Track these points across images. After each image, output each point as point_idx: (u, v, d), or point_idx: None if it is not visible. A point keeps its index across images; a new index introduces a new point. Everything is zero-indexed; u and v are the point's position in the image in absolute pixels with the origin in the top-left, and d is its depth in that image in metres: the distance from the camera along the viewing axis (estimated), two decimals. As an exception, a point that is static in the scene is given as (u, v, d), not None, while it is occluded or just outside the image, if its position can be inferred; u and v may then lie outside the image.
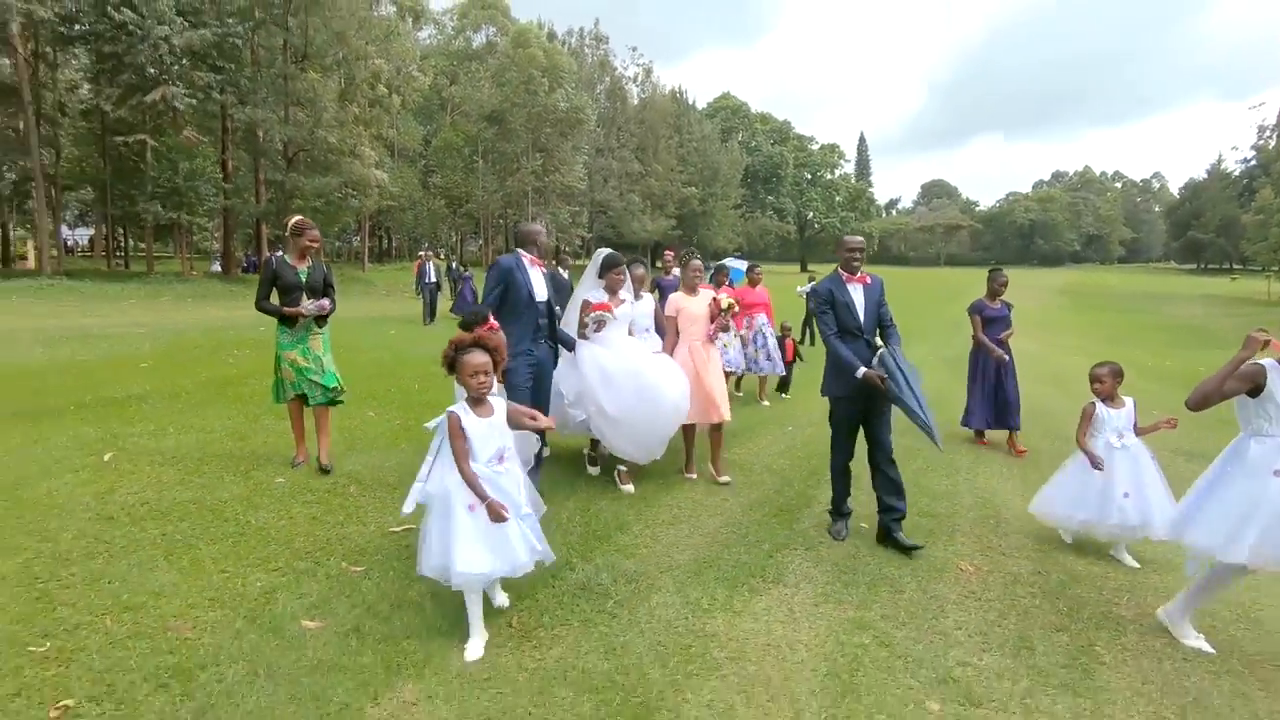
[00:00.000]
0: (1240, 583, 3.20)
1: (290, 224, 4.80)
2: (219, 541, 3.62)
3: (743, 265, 11.84)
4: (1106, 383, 4.01)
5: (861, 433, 4.13)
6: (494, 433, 2.80)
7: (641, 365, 4.66)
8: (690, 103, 60.63)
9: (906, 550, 3.90)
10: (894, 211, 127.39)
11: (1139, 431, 3.99)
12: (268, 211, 27.88)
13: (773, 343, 8.35)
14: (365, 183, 28.60)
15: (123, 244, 37.44)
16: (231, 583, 3.18)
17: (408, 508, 2.81)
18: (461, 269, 18.16)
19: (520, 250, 4.47)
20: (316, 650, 2.67)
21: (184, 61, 22.51)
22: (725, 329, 5.46)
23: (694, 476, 5.15)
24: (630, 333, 4.94)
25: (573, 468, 5.32)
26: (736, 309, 6.30)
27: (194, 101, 23.21)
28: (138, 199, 23.81)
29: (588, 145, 45.18)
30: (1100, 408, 4.01)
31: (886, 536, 4.02)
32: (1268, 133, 44.61)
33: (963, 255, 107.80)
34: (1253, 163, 51.56)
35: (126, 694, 2.35)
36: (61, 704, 2.27)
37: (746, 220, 65.22)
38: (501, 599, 3.05)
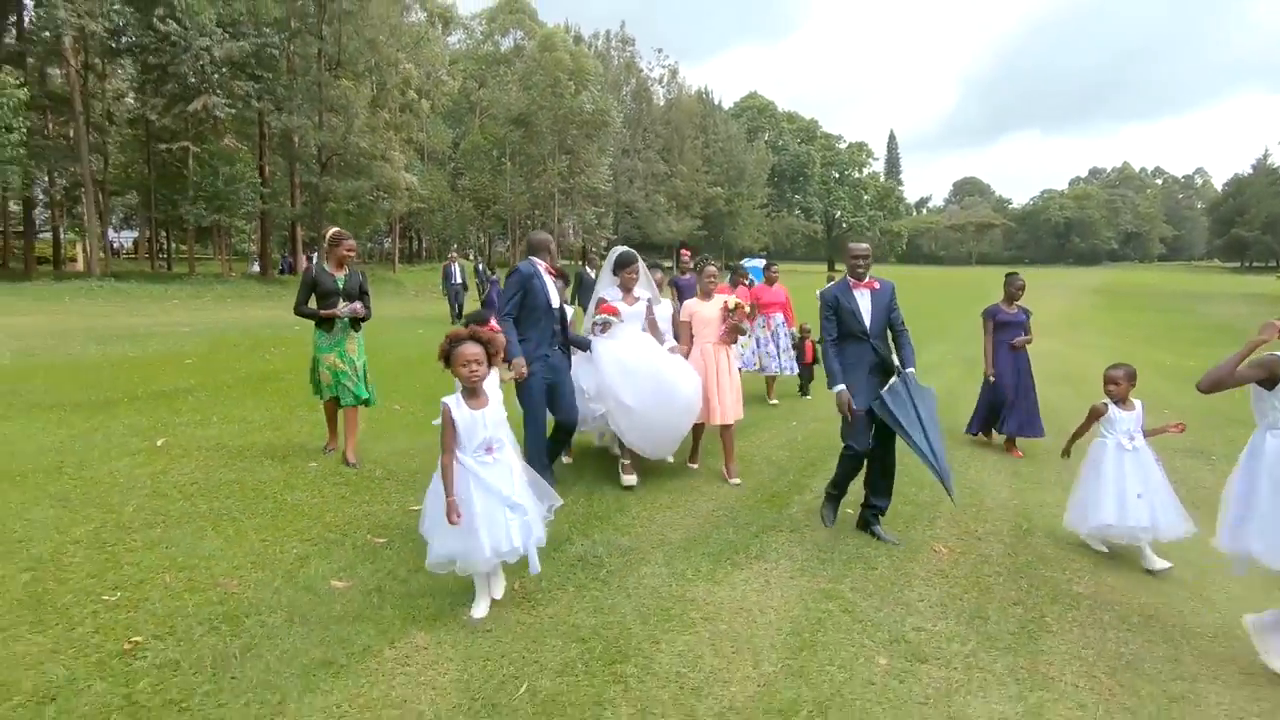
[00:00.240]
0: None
1: (329, 235, 5.18)
2: (259, 515, 4.07)
3: (760, 264, 12.06)
4: (1122, 385, 4.03)
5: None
6: (483, 424, 2.90)
7: (658, 361, 4.83)
8: (716, 103, 60.82)
9: (882, 540, 4.09)
10: (924, 210, 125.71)
11: (1147, 434, 4.04)
12: (302, 214, 28.86)
13: (785, 343, 8.44)
14: (395, 185, 29.38)
15: (165, 247, 38.94)
16: (270, 549, 3.61)
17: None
18: (489, 271, 18.65)
19: (534, 258, 4.65)
20: (343, 604, 3.07)
21: (224, 71, 23.43)
22: (742, 331, 5.38)
23: (695, 466, 5.41)
24: (654, 333, 5.06)
25: (584, 458, 5.67)
26: (747, 308, 6.44)
27: (233, 109, 24.16)
28: (180, 203, 24.87)
29: (613, 146, 45.61)
30: (1112, 409, 4.03)
31: (865, 528, 4.23)
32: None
33: (995, 254, 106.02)
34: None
35: (185, 633, 2.77)
36: (132, 640, 2.70)
37: (773, 220, 65.17)
38: (480, 611, 3.04)
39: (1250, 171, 74.54)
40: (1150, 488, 3.87)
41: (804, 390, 8.84)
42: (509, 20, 50.45)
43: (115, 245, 43.67)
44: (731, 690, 2.57)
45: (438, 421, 3.00)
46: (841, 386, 4.06)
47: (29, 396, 6.93)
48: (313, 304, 5.05)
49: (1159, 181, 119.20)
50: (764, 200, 61.19)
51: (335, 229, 5.24)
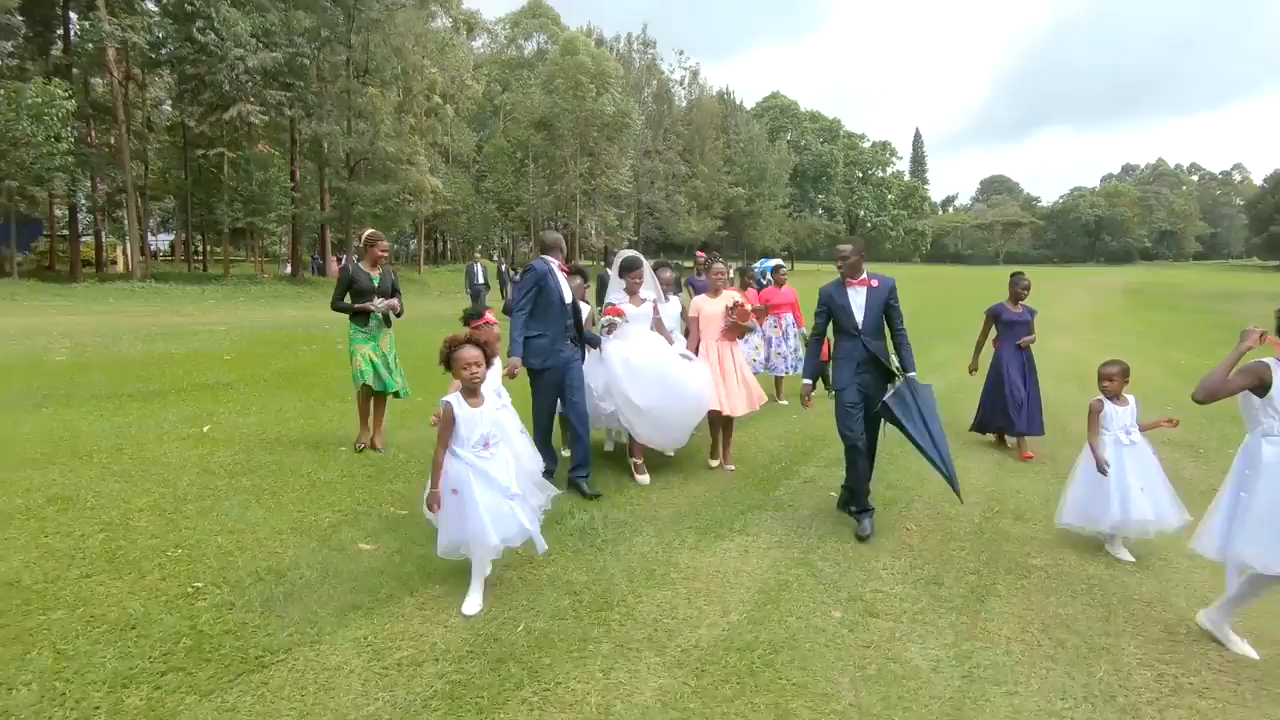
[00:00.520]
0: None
1: (365, 236, 5.60)
2: (296, 491, 4.56)
3: (773, 264, 12.33)
4: (1116, 381, 4.08)
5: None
6: (482, 421, 3.11)
7: (663, 358, 4.98)
8: (738, 103, 60.96)
9: (859, 536, 4.18)
10: (951, 208, 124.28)
11: (1141, 428, 4.08)
12: (331, 217, 29.80)
13: (794, 344, 8.48)
14: (421, 188, 30.18)
15: (201, 249, 40.29)
16: (307, 518, 4.10)
17: None
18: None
19: (547, 257, 4.81)
20: (370, 563, 3.54)
21: (258, 80, 24.33)
22: (748, 328, 5.50)
23: (731, 468, 5.45)
24: (661, 331, 5.23)
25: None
26: (748, 307, 6.69)
27: (266, 117, 25.10)
28: (216, 206, 25.89)
29: (634, 148, 46.07)
30: (1108, 406, 4.08)
31: (844, 508, 4.49)
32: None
33: (1023, 253, 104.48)
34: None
35: (237, 582, 3.26)
36: (193, 585, 3.19)
37: (794, 220, 65.11)
38: (472, 605, 3.13)
39: (1290, 167, 72.44)
40: (1149, 481, 3.93)
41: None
42: (532, 24, 51.27)
43: (153, 248, 45.24)
44: (699, 633, 2.97)
45: (434, 419, 3.20)
46: (808, 381, 4.41)
47: (87, 388, 7.56)
48: (349, 301, 5.43)
49: (1195, 178, 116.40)
50: (786, 200, 61.16)
51: (371, 231, 5.67)
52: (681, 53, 77.96)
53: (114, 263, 33.85)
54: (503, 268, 22.51)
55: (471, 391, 3.13)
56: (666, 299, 5.57)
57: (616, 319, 5.04)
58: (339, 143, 27.81)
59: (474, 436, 3.10)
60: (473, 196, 40.99)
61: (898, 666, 2.80)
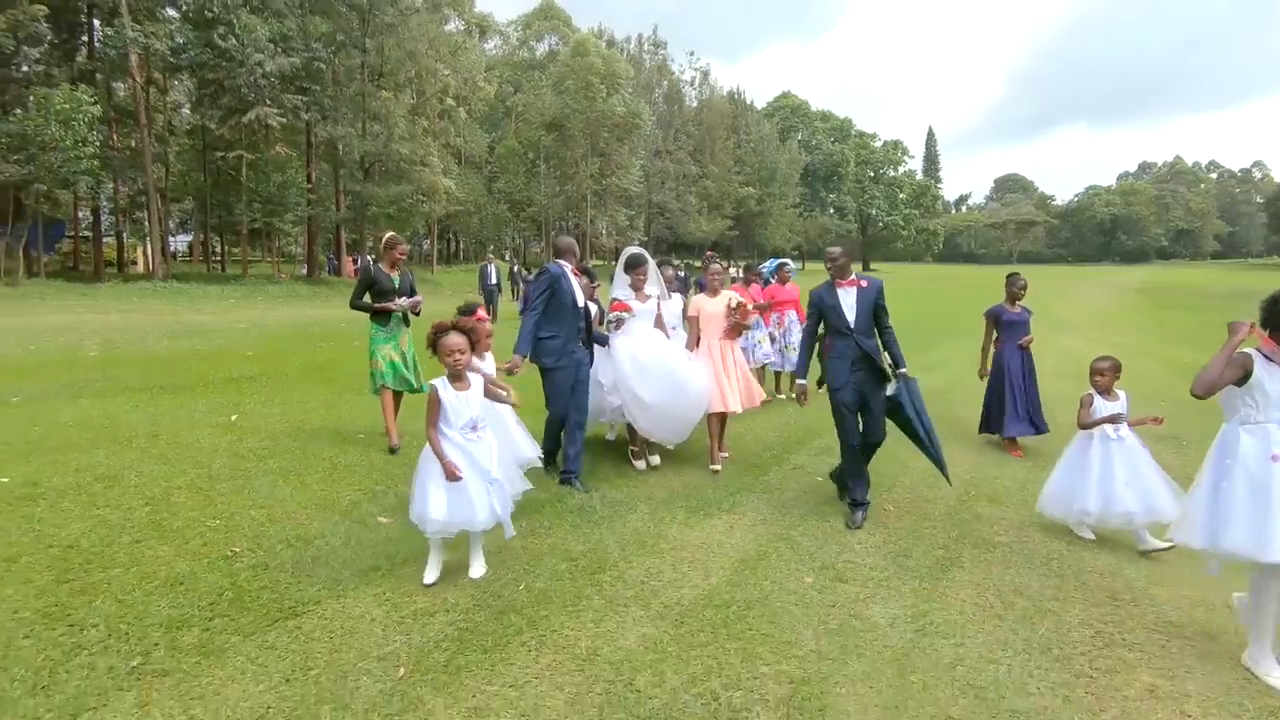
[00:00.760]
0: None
1: (384, 239, 5.85)
2: (319, 472, 4.95)
3: (775, 263, 12.58)
4: (1107, 376, 4.19)
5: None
6: (468, 405, 3.25)
7: (670, 356, 5.13)
8: (749, 103, 61.16)
9: (851, 523, 4.36)
10: (964, 207, 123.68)
11: (1130, 424, 4.17)
12: (346, 218, 30.39)
13: (795, 340, 8.55)
14: (434, 189, 30.70)
15: (219, 250, 41.08)
16: (329, 496, 4.48)
17: None
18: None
19: (561, 261, 4.96)
20: (388, 534, 3.91)
21: (275, 84, 24.93)
22: (747, 326, 5.68)
23: (717, 469, 5.44)
24: (660, 328, 5.41)
25: (591, 442, 6.42)
26: (749, 306, 6.89)
27: (284, 120, 25.69)
28: (235, 207, 26.53)
29: (645, 148, 46.42)
30: (1097, 400, 4.18)
31: (840, 495, 4.74)
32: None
33: (1037, 252, 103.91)
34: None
35: (270, 547, 3.64)
36: (231, 550, 3.58)
37: (805, 219, 65.19)
38: (477, 570, 3.42)
39: (1309, 164, 71.54)
40: (1138, 474, 4.00)
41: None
42: (544, 26, 51.72)
43: (171, 248, 46.11)
44: (681, 593, 3.32)
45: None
46: (803, 381, 4.62)
47: (121, 381, 8.01)
48: (369, 301, 5.67)
49: (1214, 176, 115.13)
50: (796, 200, 61.29)
51: (390, 234, 5.97)
52: (692, 53, 78.47)
53: (134, 263, 34.63)
54: (515, 268, 22.96)
55: (457, 376, 3.27)
56: (669, 296, 5.77)
57: (624, 314, 5.19)
58: (354, 145, 28.37)
59: (461, 419, 3.25)
60: (485, 197, 41.52)
61: (858, 622, 3.13)
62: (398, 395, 5.84)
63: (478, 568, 3.43)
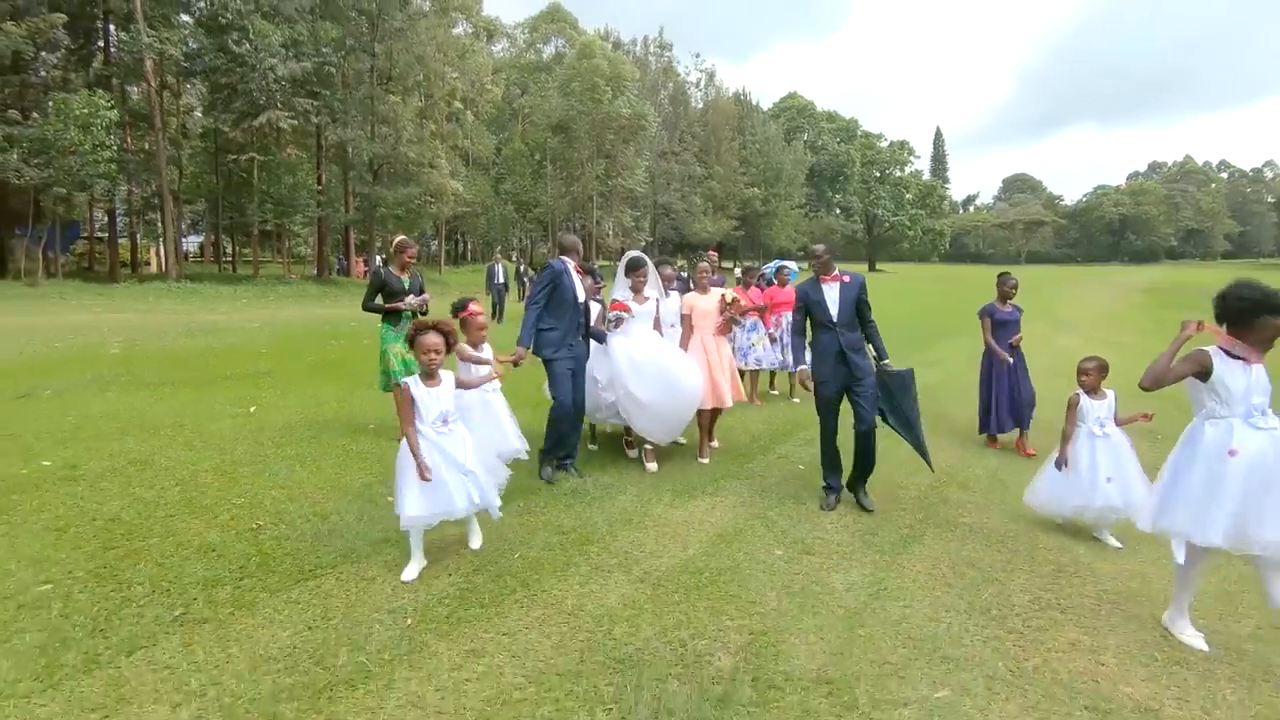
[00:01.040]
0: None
1: (395, 243, 6.16)
2: (333, 458, 5.33)
3: (792, 265, 12.79)
4: (1092, 376, 4.29)
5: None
6: (439, 400, 3.41)
7: (664, 356, 5.27)
8: (755, 104, 61.46)
9: (862, 508, 4.61)
10: (972, 207, 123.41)
11: (1118, 422, 4.28)
12: (355, 220, 30.90)
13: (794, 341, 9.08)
14: (442, 191, 31.16)
15: (230, 251, 41.74)
16: (343, 478, 4.86)
17: None
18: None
19: (564, 258, 5.17)
20: (397, 511, 4.27)
21: (287, 88, 25.44)
22: (737, 322, 5.79)
23: (705, 461, 5.67)
24: (658, 327, 5.59)
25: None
26: (743, 303, 7.15)
27: (295, 123, 26.21)
28: (247, 208, 27.08)
29: (650, 150, 46.79)
30: (1084, 399, 4.28)
31: (848, 489, 4.79)
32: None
33: (1046, 252, 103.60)
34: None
35: (290, 522, 4.02)
36: (256, 523, 3.96)
37: (811, 219, 65.38)
38: (476, 541, 3.70)
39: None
40: (1122, 472, 4.12)
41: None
42: (550, 28, 52.17)
43: (183, 249, 46.87)
44: (661, 561, 3.67)
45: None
46: (804, 366, 4.84)
47: (143, 376, 8.44)
48: (380, 302, 5.96)
49: (1225, 175, 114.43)
50: (802, 200, 61.49)
51: (401, 238, 6.28)
52: (698, 55, 78.73)
53: (147, 264, 35.27)
54: (521, 268, 23.33)
55: (430, 374, 3.43)
56: (666, 295, 5.94)
57: (623, 314, 5.36)
58: (363, 147, 28.87)
59: (432, 414, 3.40)
60: (492, 198, 41.96)
61: (818, 587, 3.48)
62: None
63: (475, 540, 3.77)
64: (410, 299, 5.96)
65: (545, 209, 42.79)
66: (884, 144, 76.53)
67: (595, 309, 5.63)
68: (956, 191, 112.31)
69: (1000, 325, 6.43)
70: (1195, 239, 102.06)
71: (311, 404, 7.28)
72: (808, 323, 4.83)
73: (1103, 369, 4.33)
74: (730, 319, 5.89)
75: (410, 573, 3.40)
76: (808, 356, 4.91)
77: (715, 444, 6.01)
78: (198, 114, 32.14)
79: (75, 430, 5.87)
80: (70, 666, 2.57)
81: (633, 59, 47.89)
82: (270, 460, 5.23)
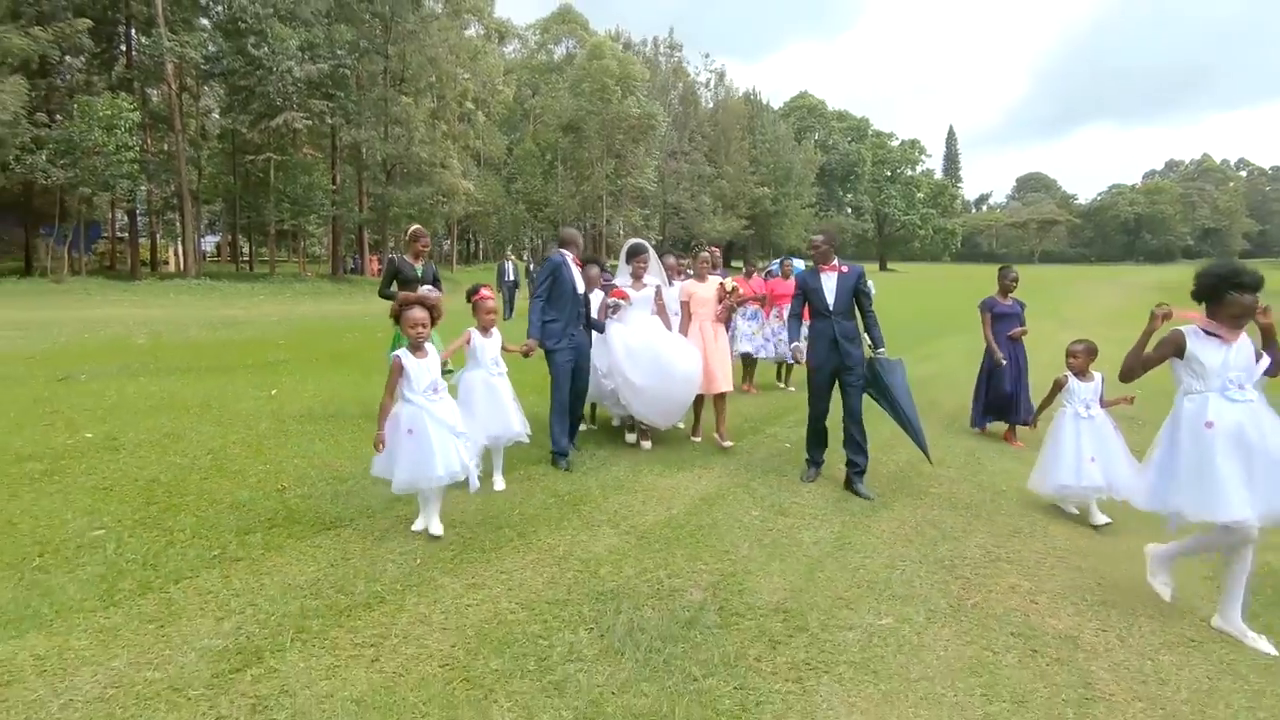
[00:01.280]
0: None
1: (410, 231, 6.44)
2: (349, 434, 5.74)
3: (798, 262, 13.06)
4: (1080, 359, 4.44)
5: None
6: (427, 371, 3.63)
7: (660, 342, 5.42)
8: (765, 103, 61.61)
9: (862, 496, 4.66)
10: (985, 206, 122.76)
11: (1103, 404, 4.41)
12: (369, 219, 31.49)
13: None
14: (454, 191, 31.69)
15: (247, 249, 42.52)
16: (359, 450, 5.25)
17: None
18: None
19: (564, 250, 5.34)
20: (408, 477, 4.66)
21: (303, 90, 26.04)
22: (734, 310, 5.99)
23: (698, 439, 5.96)
24: (663, 315, 5.63)
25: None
26: (740, 291, 7.41)
27: (310, 124, 26.81)
28: (264, 208, 27.72)
29: (660, 149, 47.12)
30: (1072, 380, 4.42)
31: (848, 485, 4.83)
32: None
33: (1060, 252, 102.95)
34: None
35: (312, 484, 4.43)
36: (281, 485, 4.37)
37: (821, 219, 65.42)
38: (436, 529, 3.70)
39: (1337, 161, 70.20)
40: (1106, 452, 4.23)
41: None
42: (561, 29, 52.64)
43: (201, 248, 47.77)
44: (646, 519, 4.05)
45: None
46: (798, 344, 4.98)
47: (170, 364, 8.92)
48: (394, 288, 6.44)
49: (1243, 173, 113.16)
50: (812, 199, 61.57)
51: (415, 226, 6.59)
52: (707, 55, 78.96)
53: (165, 262, 36.08)
54: (531, 266, 23.76)
55: (417, 346, 3.66)
56: (670, 284, 6.14)
57: (620, 301, 5.53)
58: (376, 148, 29.45)
59: (423, 383, 3.62)
60: (503, 198, 42.46)
61: (787, 540, 3.83)
62: None
63: (436, 527, 3.70)
64: (423, 289, 6.32)
65: (556, 208, 43.23)
66: (895, 143, 76.45)
67: (599, 298, 5.73)
68: (969, 191, 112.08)
69: (1000, 319, 6.51)
70: (1213, 238, 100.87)
71: (328, 389, 7.70)
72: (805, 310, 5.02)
73: (1091, 352, 4.48)
74: (729, 307, 6.06)
75: (420, 524, 3.76)
76: (803, 334, 5.10)
77: (729, 443, 5.83)
78: (216, 115, 32.89)
79: (113, 408, 6.32)
80: (127, 590, 2.98)
81: (643, 59, 48.21)
82: (292, 435, 5.64)
